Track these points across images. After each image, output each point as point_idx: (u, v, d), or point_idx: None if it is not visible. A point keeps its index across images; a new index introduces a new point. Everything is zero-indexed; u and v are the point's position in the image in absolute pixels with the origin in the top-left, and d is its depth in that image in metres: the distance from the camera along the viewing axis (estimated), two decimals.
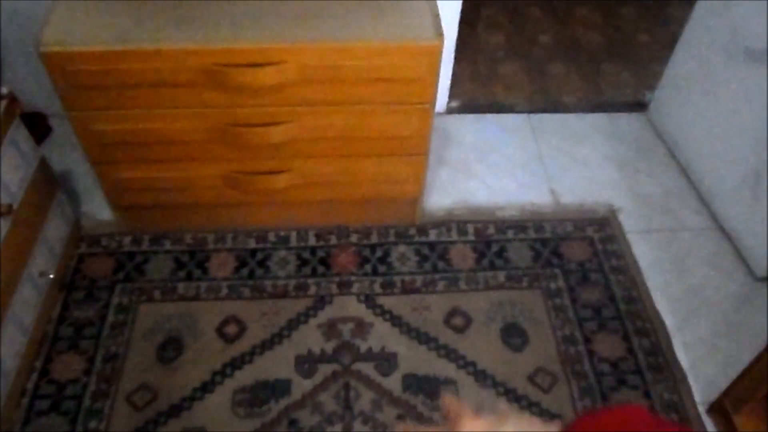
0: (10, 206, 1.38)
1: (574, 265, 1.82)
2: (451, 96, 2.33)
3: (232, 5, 1.40)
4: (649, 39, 2.79)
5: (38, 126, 2.15)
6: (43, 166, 1.61)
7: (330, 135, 1.51)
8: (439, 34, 1.35)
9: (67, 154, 2.05)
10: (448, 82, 2.27)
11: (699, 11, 2.05)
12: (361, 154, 1.57)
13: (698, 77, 2.06)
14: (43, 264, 1.59)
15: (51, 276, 1.59)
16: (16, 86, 1.98)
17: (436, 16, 1.39)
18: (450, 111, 2.30)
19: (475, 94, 2.40)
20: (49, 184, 1.64)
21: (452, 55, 2.16)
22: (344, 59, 1.34)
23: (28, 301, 1.52)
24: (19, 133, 1.51)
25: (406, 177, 1.66)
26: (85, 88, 1.36)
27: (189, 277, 1.73)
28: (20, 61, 1.95)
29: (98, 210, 1.88)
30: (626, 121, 2.36)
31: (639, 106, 2.41)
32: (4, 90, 2.01)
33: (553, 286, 1.76)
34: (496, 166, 2.13)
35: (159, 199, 1.68)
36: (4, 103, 1.93)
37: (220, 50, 1.31)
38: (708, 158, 2.02)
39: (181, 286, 1.71)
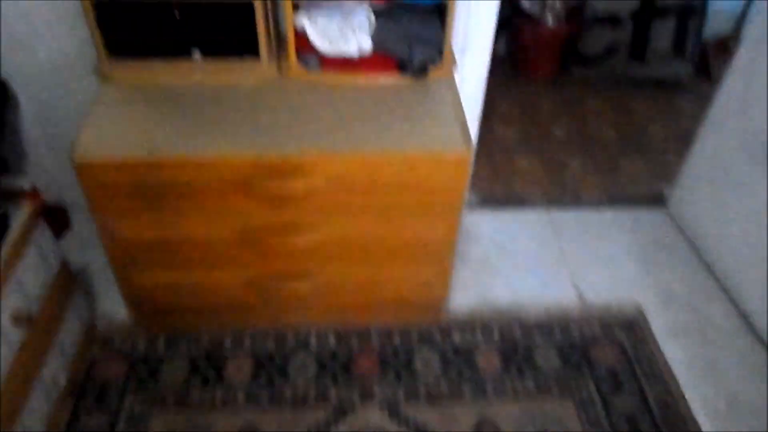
0: (29, 316, 1.34)
1: (604, 370, 1.74)
2: (470, 190, 2.33)
3: (262, 114, 1.41)
4: (661, 132, 2.83)
5: (58, 220, 2.14)
6: (64, 268, 1.59)
7: (356, 241, 1.49)
8: (468, 143, 1.35)
9: (85, 249, 2.03)
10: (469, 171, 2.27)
11: (716, 110, 2.08)
12: (386, 259, 1.54)
13: (717, 173, 2.06)
14: (55, 369, 1.53)
15: (63, 384, 1.53)
16: (38, 177, 1.98)
17: (464, 124, 1.40)
18: (469, 206, 2.30)
19: (494, 188, 2.41)
20: (67, 286, 1.61)
21: (475, 139, 2.18)
22: (372, 169, 1.34)
23: (38, 410, 1.45)
24: (41, 235, 1.49)
25: (431, 281, 1.63)
26: (115, 195, 1.36)
27: (205, 383, 1.67)
28: (44, 153, 1.97)
29: (114, 309, 1.84)
30: (646, 215, 2.34)
31: (658, 200, 2.40)
32: (27, 184, 2.03)
33: (585, 394, 1.68)
34: (518, 263, 2.10)
35: (178, 301, 1.64)
36: (27, 205, 1.94)
37: (249, 161, 1.31)
38: (732, 255, 1.99)
39: (195, 393, 1.64)
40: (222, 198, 1.37)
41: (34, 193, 2.05)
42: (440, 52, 1.52)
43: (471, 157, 1.35)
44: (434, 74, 1.53)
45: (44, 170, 2.03)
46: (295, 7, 1.44)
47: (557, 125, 2.81)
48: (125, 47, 1.49)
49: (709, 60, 3.17)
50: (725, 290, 2.03)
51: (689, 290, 2.05)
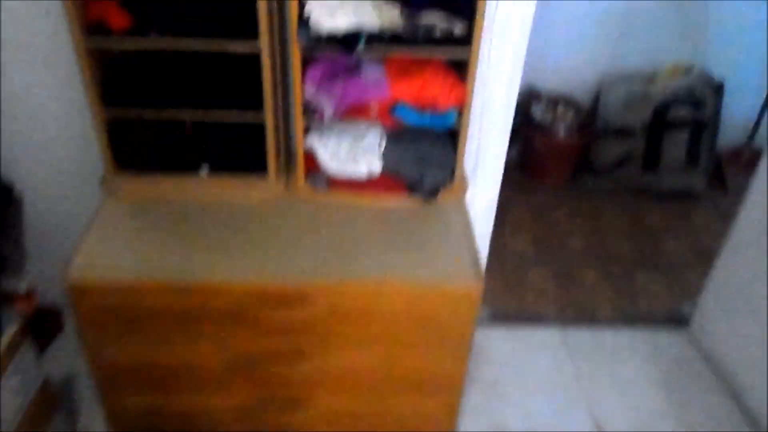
0: None
1: None
2: (481, 305, 2.24)
3: (265, 236, 1.37)
4: (678, 246, 2.75)
5: (52, 324, 2.07)
6: (45, 387, 1.49)
7: (357, 372, 1.39)
8: (478, 276, 1.29)
9: (73, 355, 1.94)
10: None
11: (739, 227, 2.01)
12: (389, 391, 1.44)
13: (742, 294, 1.96)
14: None
15: None
16: (39, 275, 1.93)
17: (474, 255, 1.34)
18: (480, 322, 2.20)
19: (505, 303, 2.32)
20: (47, 406, 1.51)
21: (485, 259, 2.11)
22: (377, 300, 1.27)
23: None
24: (25, 356, 1.41)
25: (437, 414, 1.51)
26: (105, 317, 1.29)
27: None
28: (45, 253, 1.92)
29: (97, 426, 1.72)
30: (666, 337, 2.23)
31: (678, 320, 2.29)
32: (23, 286, 1.97)
33: None
34: (531, 387, 1.97)
35: (165, 426, 1.53)
36: (19, 310, 1.87)
37: (247, 290, 1.24)
38: (761, 383, 1.85)
39: None
40: (217, 325, 1.30)
41: (29, 296, 1.99)
42: (451, 174, 1.49)
43: (480, 291, 1.28)
44: (445, 196, 1.49)
45: (44, 270, 1.97)
46: (307, 128, 1.42)
47: (570, 236, 2.75)
48: (133, 161, 1.47)
49: (724, 170, 3.15)
50: (754, 422, 1.87)
51: (715, 423, 1.90)
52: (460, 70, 1.37)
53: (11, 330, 1.81)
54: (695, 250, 2.74)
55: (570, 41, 3.00)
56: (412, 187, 1.46)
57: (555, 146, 2.99)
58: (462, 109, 1.38)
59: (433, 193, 1.46)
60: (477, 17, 1.25)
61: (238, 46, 1.29)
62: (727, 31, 2.97)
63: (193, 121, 1.41)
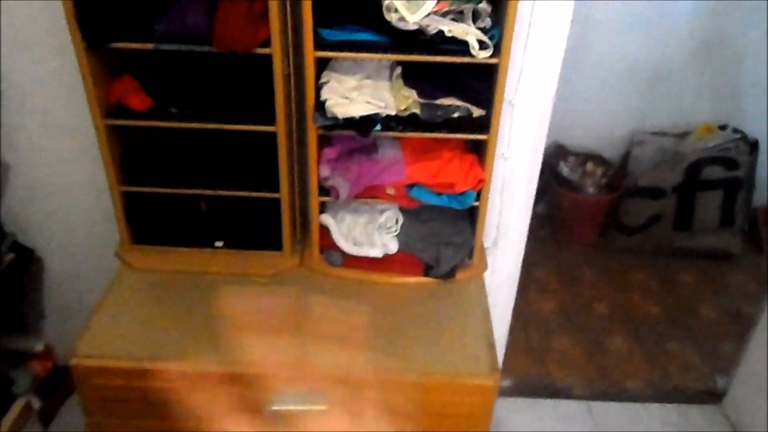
0: None
1: None
2: (503, 372, 2.16)
3: (276, 317, 1.33)
4: (712, 311, 2.64)
5: (66, 382, 2.07)
6: None
7: None
8: (494, 368, 1.23)
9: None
10: (501, 356, 2.12)
11: None
12: None
13: None
14: None
15: None
16: (57, 335, 1.94)
17: (491, 344, 1.28)
18: (502, 392, 2.12)
19: (529, 372, 2.23)
20: None
21: (506, 329, 2.04)
22: (387, 392, 1.22)
23: None
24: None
25: None
26: (110, 398, 1.27)
27: None
28: (63, 312, 1.93)
29: None
30: (699, 415, 2.11)
31: (712, 395, 2.18)
32: (40, 346, 1.98)
33: None
34: None
35: None
36: (35, 370, 1.87)
37: (255, 375, 1.21)
38: None
39: None
40: (225, 410, 1.26)
41: (46, 355, 2.00)
42: (470, 254, 1.45)
43: (497, 385, 1.22)
44: (463, 275, 1.45)
45: (61, 329, 1.99)
46: (322, 206, 1.40)
47: (598, 298, 2.66)
48: (149, 235, 1.47)
49: (760, 231, 3.03)
50: None
51: None
52: (479, 149, 1.34)
53: (23, 392, 1.81)
54: (730, 315, 2.62)
55: (598, 97, 2.96)
56: (428, 267, 1.42)
57: (583, 204, 2.92)
58: (480, 189, 1.34)
59: (450, 274, 1.42)
60: (495, 105, 1.23)
61: (256, 127, 1.29)
62: (762, 89, 2.89)
63: (207, 195, 1.40)
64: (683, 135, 2.93)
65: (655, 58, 2.87)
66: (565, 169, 2.92)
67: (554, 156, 2.94)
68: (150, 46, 1.19)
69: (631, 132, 2.99)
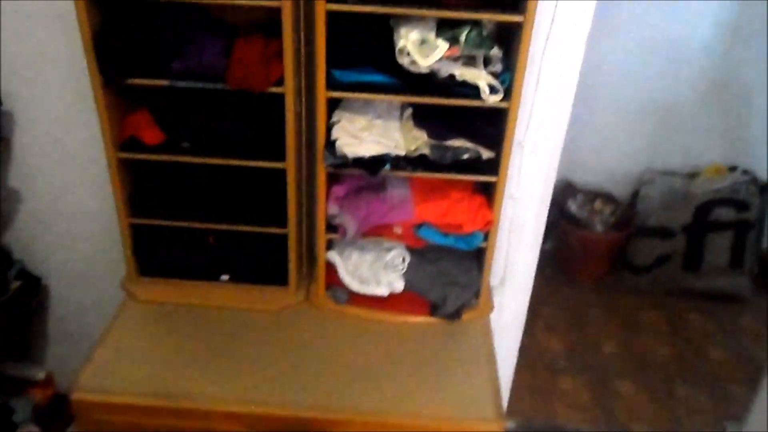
0: None
1: None
2: (508, 413, 2.12)
3: (281, 353, 1.33)
4: (722, 354, 2.60)
5: (67, 410, 2.05)
6: None
7: None
8: (499, 413, 1.21)
9: None
10: (507, 396, 2.08)
11: None
12: None
13: None
14: None
15: None
16: (59, 363, 1.93)
17: (496, 388, 1.26)
18: None
19: (534, 415, 2.19)
20: None
21: (512, 369, 2.01)
22: None
23: None
24: None
25: None
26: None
27: None
28: (65, 341, 1.93)
29: None
30: None
31: None
32: (41, 374, 1.97)
33: None
34: None
35: None
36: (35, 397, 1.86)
37: (257, 415, 1.20)
38: None
39: None
40: None
41: (47, 382, 1.99)
42: (476, 294, 1.44)
43: (502, 430, 1.19)
44: (469, 316, 1.44)
45: (63, 356, 1.98)
46: (329, 243, 1.40)
47: (606, 338, 2.63)
48: (155, 267, 1.47)
49: None
50: None
51: None
52: (488, 189, 1.34)
53: (23, 421, 1.80)
54: (741, 359, 2.58)
55: (608, 136, 2.97)
56: (434, 307, 1.41)
57: (591, 242, 2.91)
58: (488, 231, 1.34)
59: (456, 314, 1.41)
60: (504, 148, 1.23)
61: (266, 163, 1.30)
62: None
63: (215, 228, 1.41)
64: (693, 175, 2.93)
65: (665, 98, 2.89)
66: (573, 206, 2.92)
67: (563, 193, 2.94)
68: (166, 82, 1.21)
69: (641, 171, 2.99)
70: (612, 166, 3.01)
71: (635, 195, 2.97)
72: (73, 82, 1.42)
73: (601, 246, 2.92)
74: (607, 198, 2.96)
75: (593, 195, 2.96)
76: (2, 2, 1.36)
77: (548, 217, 1.60)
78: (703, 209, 2.81)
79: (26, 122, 1.52)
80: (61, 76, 1.44)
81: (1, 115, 1.49)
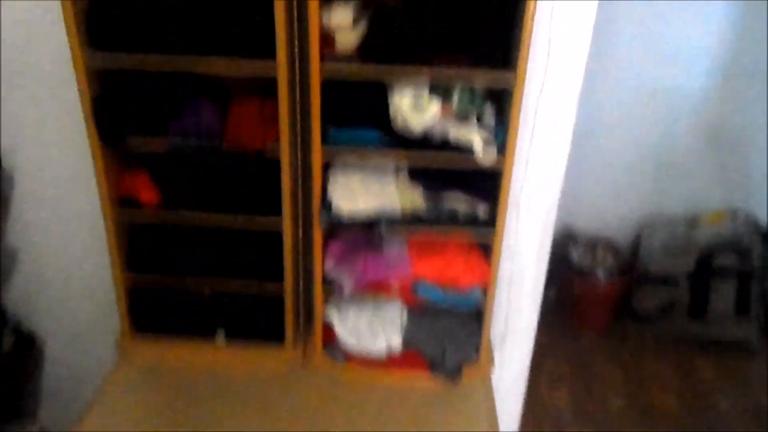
0: None
1: None
2: None
3: (276, 417, 1.29)
4: (730, 405, 2.53)
5: None
6: None
7: None
8: None
9: None
10: None
11: None
12: None
13: None
14: None
15: None
16: (55, 418, 1.89)
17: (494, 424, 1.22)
18: None
19: None
20: None
21: (517, 427, 1.96)
22: None
23: None
24: None
25: None
26: None
27: None
28: (58, 398, 1.89)
29: None
30: None
31: None
32: (36, 429, 1.93)
33: None
34: None
35: None
36: None
37: None
38: None
39: None
40: None
41: None
42: (476, 352, 1.41)
43: None
44: (469, 374, 1.40)
45: (57, 413, 1.93)
46: (326, 300, 1.39)
47: (613, 390, 2.57)
48: (150, 325, 1.45)
49: None
50: None
51: None
52: (486, 245, 1.34)
53: None
54: (750, 409, 2.51)
55: (607, 183, 2.97)
56: (433, 366, 1.38)
57: (594, 291, 2.87)
58: (486, 288, 1.33)
59: (455, 373, 1.38)
60: (500, 202, 1.23)
61: (262, 222, 1.30)
62: None
63: (211, 286, 1.40)
64: (694, 222, 2.92)
65: (663, 145, 2.91)
66: (575, 254, 2.90)
67: (564, 241, 2.93)
68: (163, 144, 1.22)
69: (641, 217, 2.98)
70: (612, 214, 3.01)
71: (637, 242, 2.95)
72: (72, 142, 1.44)
73: (604, 294, 2.88)
74: (609, 245, 2.94)
75: (594, 242, 2.94)
76: (3, 64, 1.39)
77: (550, 265, 1.59)
78: (706, 256, 2.79)
79: (25, 181, 1.54)
80: (61, 137, 1.46)
81: (1, 175, 1.51)
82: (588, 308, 2.92)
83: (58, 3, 1.10)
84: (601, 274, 2.85)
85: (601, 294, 2.88)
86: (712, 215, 2.90)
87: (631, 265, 2.89)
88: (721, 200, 2.99)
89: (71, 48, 1.14)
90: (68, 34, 1.13)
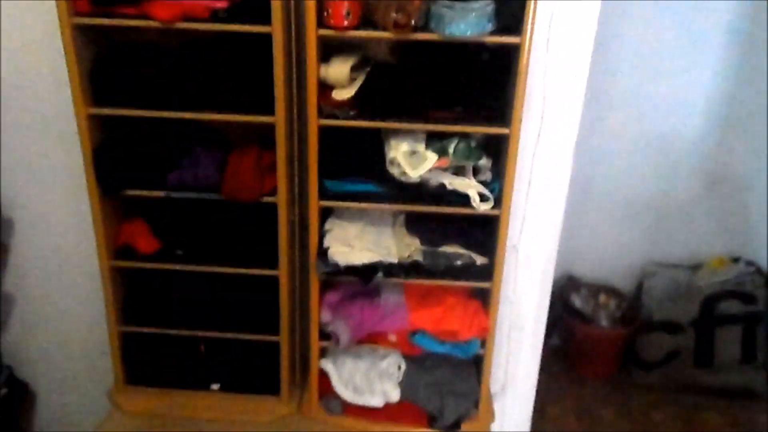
0: None
1: None
2: None
3: None
4: None
5: None
6: None
7: None
8: None
9: None
10: None
11: None
12: None
13: None
14: None
15: None
16: None
17: None
18: None
19: None
20: None
21: None
22: None
23: None
24: None
25: None
26: None
27: None
28: None
29: None
30: None
31: None
32: None
33: None
34: None
35: None
36: None
37: None
38: None
39: None
40: None
41: None
42: (476, 404, 1.38)
43: None
44: (468, 427, 1.37)
45: None
46: (323, 350, 1.37)
47: None
48: (143, 375, 1.43)
49: None
50: None
51: None
52: (484, 294, 1.33)
53: None
54: None
55: (607, 228, 2.96)
56: (432, 419, 1.35)
57: (598, 337, 2.83)
58: (485, 338, 1.31)
59: (455, 426, 1.35)
60: (498, 250, 1.23)
61: (258, 272, 1.29)
62: None
63: (206, 337, 1.38)
64: (696, 267, 2.89)
65: (663, 190, 2.91)
66: (577, 300, 2.87)
67: (565, 287, 2.90)
68: (162, 194, 1.23)
69: (643, 263, 2.96)
70: (613, 259, 2.99)
71: (639, 288, 2.92)
72: (71, 191, 1.45)
73: (608, 341, 2.84)
74: (611, 291, 2.91)
75: (596, 288, 2.91)
76: (3, 113, 1.42)
77: (552, 312, 1.57)
78: (710, 303, 2.76)
79: (24, 229, 1.54)
80: (60, 186, 1.47)
81: (1, 222, 1.51)
82: (592, 355, 2.87)
83: (62, 57, 1.13)
84: (604, 320, 2.82)
85: (604, 341, 2.83)
86: (714, 261, 2.88)
87: (634, 311, 2.86)
88: (723, 246, 2.97)
89: (74, 103, 1.16)
90: (72, 90, 1.15)
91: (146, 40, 1.20)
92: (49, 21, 1.22)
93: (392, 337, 1.31)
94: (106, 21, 1.11)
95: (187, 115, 1.16)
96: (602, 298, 2.88)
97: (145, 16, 1.08)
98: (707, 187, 2.93)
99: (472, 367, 1.42)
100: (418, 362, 1.39)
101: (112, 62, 1.18)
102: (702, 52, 2.71)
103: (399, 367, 1.38)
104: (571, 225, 1.50)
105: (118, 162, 1.23)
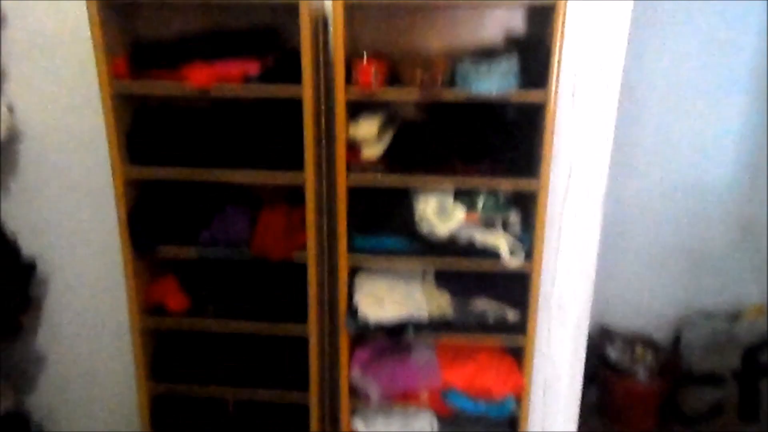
0: None
1: None
2: None
3: None
4: None
5: None
6: None
7: None
8: None
9: None
10: None
11: None
12: None
13: None
14: None
15: None
16: None
17: None
18: None
19: None
20: None
21: None
22: None
23: None
24: None
25: None
26: None
27: None
28: None
29: None
30: None
31: None
32: None
33: None
34: None
35: None
36: None
37: None
38: None
39: None
40: None
41: None
42: None
43: None
44: None
45: None
46: (353, 409, 1.34)
47: None
48: None
49: None
50: None
51: None
52: (518, 350, 1.29)
53: None
54: None
55: (640, 278, 2.89)
56: None
57: (635, 391, 2.72)
58: (520, 396, 1.27)
59: None
60: (530, 305, 1.20)
61: (288, 329, 1.28)
62: None
63: (235, 398, 1.37)
64: (734, 316, 2.79)
65: (695, 237, 2.84)
66: (613, 353, 2.78)
67: (600, 339, 2.81)
68: (194, 252, 1.24)
69: (679, 313, 2.87)
70: (648, 309, 2.90)
71: (677, 339, 2.82)
72: (103, 249, 1.48)
73: (646, 395, 2.73)
74: (648, 342, 2.82)
75: (632, 339, 2.82)
76: (39, 172, 1.46)
77: (588, 365, 1.52)
78: (752, 352, 2.65)
79: (57, 287, 1.57)
80: (93, 244, 1.50)
81: (35, 279, 1.54)
82: (631, 410, 2.75)
83: (99, 119, 1.17)
84: (641, 373, 2.71)
85: (642, 394, 2.72)
86: (752, 309, 2.78)
87: (672, 363, 2.75)
88: (759, 292, 2.87)
89: (111, 162, 1.20)
90: (110, 150, 1.19)
91: (180, 101, 1.24)
92: (89, 85, 1.26)
93: (424, 396, 1.28)
94: (145, 89, 1.15)
95: (222, 176, 1.19)
96: (638, 349, 2.79)
97: (181, 80, 1.12)
98: (740, 232, 2.86)
99: (507, 425, 1.37)
100: (451, 421, 1.35)
101: (148, 124, 1.22)
102: (730, 94, 2.70)
103: (432, 427, 1.34)
104: (604, 277, 1.46)
105: (152, 223, 1.25)
